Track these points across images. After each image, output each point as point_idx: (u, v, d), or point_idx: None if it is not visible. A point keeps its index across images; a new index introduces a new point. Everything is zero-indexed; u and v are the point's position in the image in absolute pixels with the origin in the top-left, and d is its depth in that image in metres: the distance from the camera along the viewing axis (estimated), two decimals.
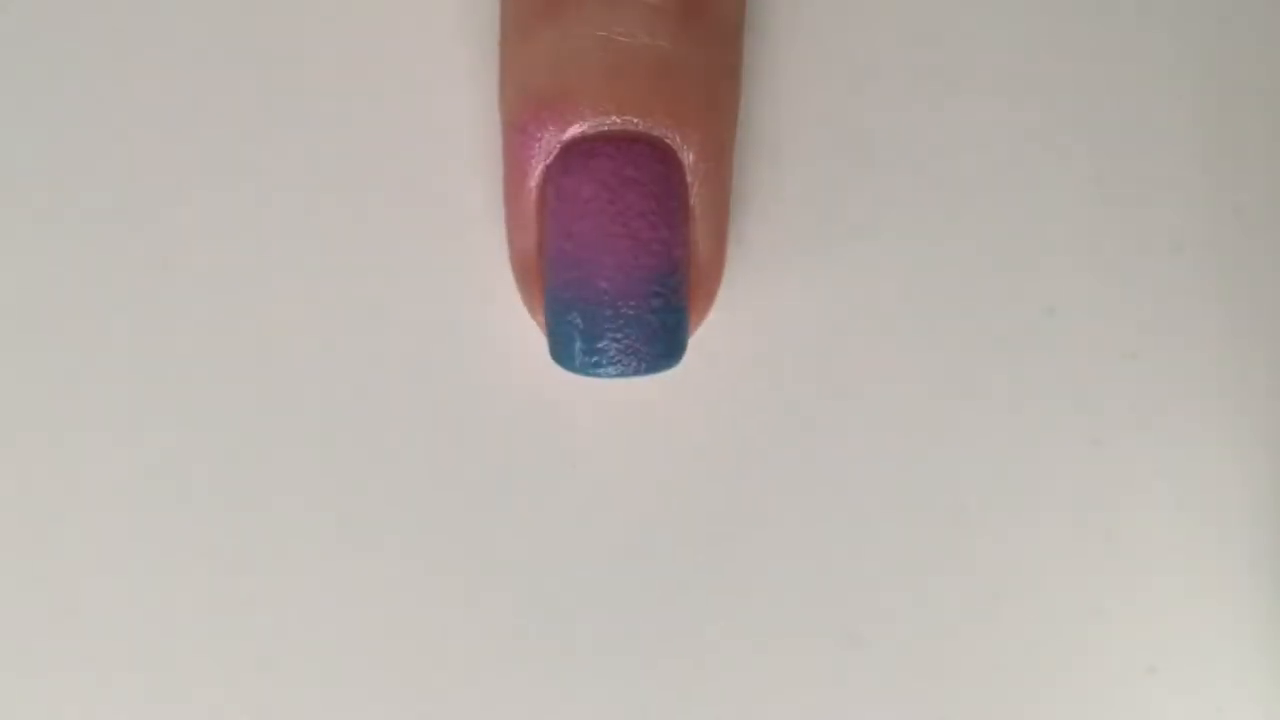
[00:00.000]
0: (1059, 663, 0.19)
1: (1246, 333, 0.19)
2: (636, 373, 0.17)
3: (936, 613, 0.19)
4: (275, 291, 0.19)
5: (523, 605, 0.19)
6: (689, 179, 0.17)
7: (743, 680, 0.19)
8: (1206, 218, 0.19)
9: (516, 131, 0.17)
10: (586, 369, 0.17)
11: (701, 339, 0.19)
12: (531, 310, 0.18)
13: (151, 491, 0.19)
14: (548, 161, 0.17)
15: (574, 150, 0.17)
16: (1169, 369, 0.19)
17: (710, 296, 0.18)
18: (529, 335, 0.18)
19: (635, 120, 0.16)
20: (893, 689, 0.19)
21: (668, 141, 0.17)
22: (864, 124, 0.19)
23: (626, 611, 0.19)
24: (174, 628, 0.19)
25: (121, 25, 0.19)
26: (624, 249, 0.16)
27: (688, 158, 0.17)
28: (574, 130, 0.16)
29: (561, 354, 0.17)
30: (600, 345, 0.17)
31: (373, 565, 0.19)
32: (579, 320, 0.17)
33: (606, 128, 0.16)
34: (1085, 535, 0.19)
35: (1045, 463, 0.19)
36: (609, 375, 0.17)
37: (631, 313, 0.17)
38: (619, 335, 0.17)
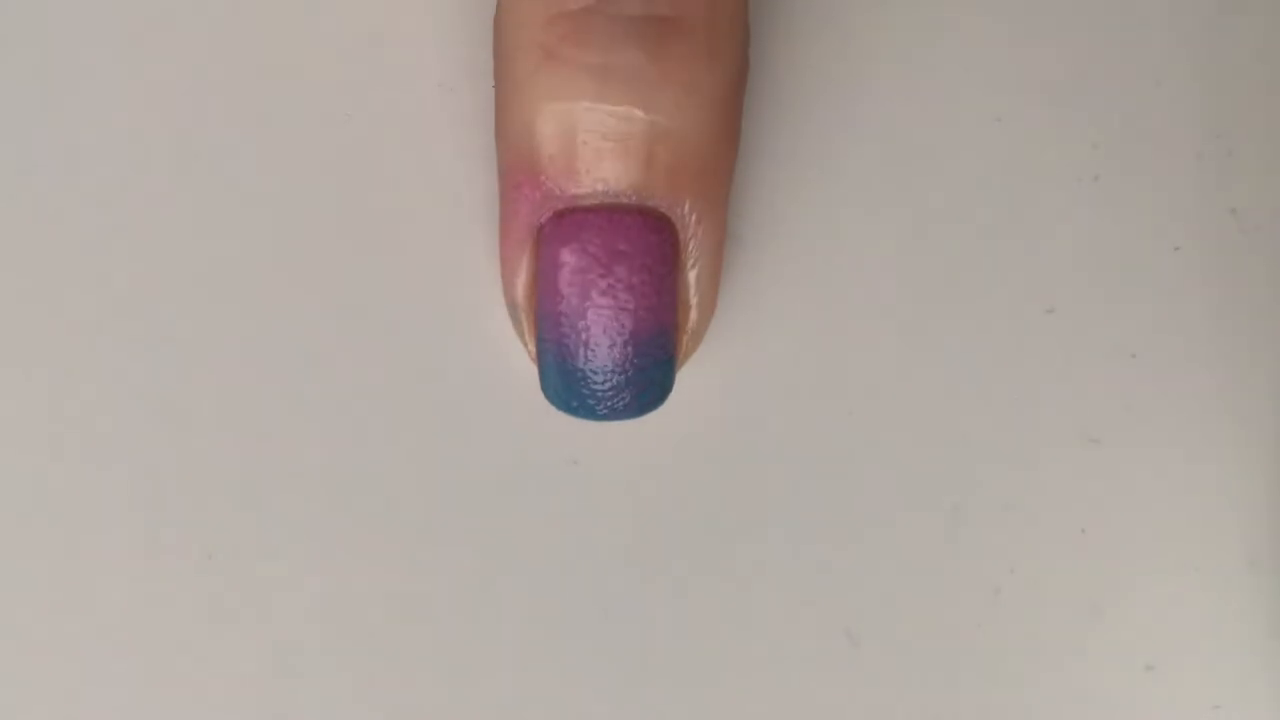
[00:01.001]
0: (1056, 661, 0.19)
1: (1245, 332, 0.19)
2: (620, 418, 0.17)
3: (933, 611, 0.19)
4: (275, 295, 0.19)
5: (520, 604, 0.19)
6: (683, 240, 0.17)
7: (741, 679, 0.19)
8: (1205, 218, 0.19)
9: (512, 188, 0.17)
10: (572, 413, 0.17)
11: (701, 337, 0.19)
12: (523, 341, 0.18)
13: (148, 494, 0.19)
14: (541, 220, 0.17)
15: (566, 218, 0.17)
16: (1168, 368, 0.19)
17: (701, 332, 0.18)
18: None
19: (628, 193, 0.16)
20: (890, 688, 0.19)
21: (662, 210, 0.17)
22: (863, 124, 0.19)
23: (624, 611, 0.19)
24: (170, 630, 0.19)
25: (120, 25, 0.19)
26: (611, 320, 0.17)
27: (682, 221, 0.17)
28: (566, 199, 0.16)
29: (550, 395, 0.17)
30: (588, 401, 0.17)
31: (372, 566, 0.19)
32: (567, 379, 0.17)
33: (599, 200, 0.16)
34: (1083, 534, 0.19)
35: (1044, 462, 0.19)
36: (593, 419, 0.17)
37: (620, 377, 0.17)
38: (607, 393, 0.17)
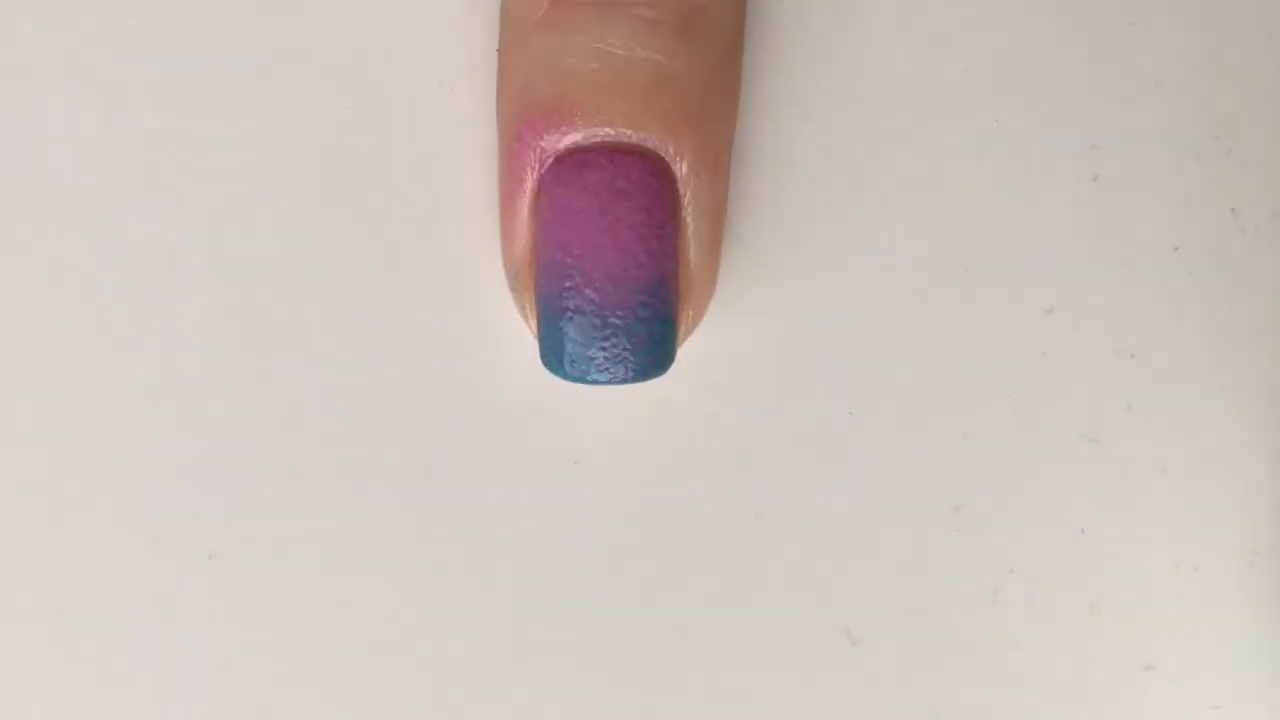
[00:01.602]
0: (1055, 660, 0.19)
1: (1245, 332, 0.19)
2: (624, 380, 0.17)
3: (932, 611, 0.19)
4: (272, 293, 0.19)
5: (520, 604, 0.19)
6: (681, 191, 0.17)
7: (738, 679, 0.19)
8: (1205, 218, 0.19)
9: (513, 139, 0.17)
10: (574, 376, 0.17)
11: (698, 339, 0.19)
12: (524, 315, 0.18)
13: (148, 494, 0.19)
14: (542, 170, 0.17)
15: (567, 161, 0.17)
16: (1168, 368, 0.19)
17: (701, 306, 0.18)
18: (527, 337, 0.18)
19: (629, 132, 0.17)
20: (888, 687, 0.19)
21: (661, 153, 0.17)
22: (863, 124, 0.19)
23: (624, 610, 0.19)
24: (171, 630, 0.19)
25: (120, 25, 0.19)
26: (613, 260, 0.17)
27: (680, 169, 0.17)
28: (568, 140, 0.17)
29: (551, 360, 0.17)
30: (588, 353, 0.17)
31: (372, 565, 0.19)
32: (568, 328, 0.17)
33: (600, 139, 0.17)
34: (1082, 534, 0.19)
35: (1043, 461, 0.19)
36: (596, 382, 0.17)
37: (619, 322, 0.17)
38: (607, 344, 0.17)
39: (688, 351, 0.18)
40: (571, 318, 0.17)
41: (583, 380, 0.17)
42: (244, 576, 0.19)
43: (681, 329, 0.18)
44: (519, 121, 0.17)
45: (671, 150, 0.17)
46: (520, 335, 0.18)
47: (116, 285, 0.19)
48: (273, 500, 0.19)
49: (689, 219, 0.17)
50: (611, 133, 0.17)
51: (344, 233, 0.19)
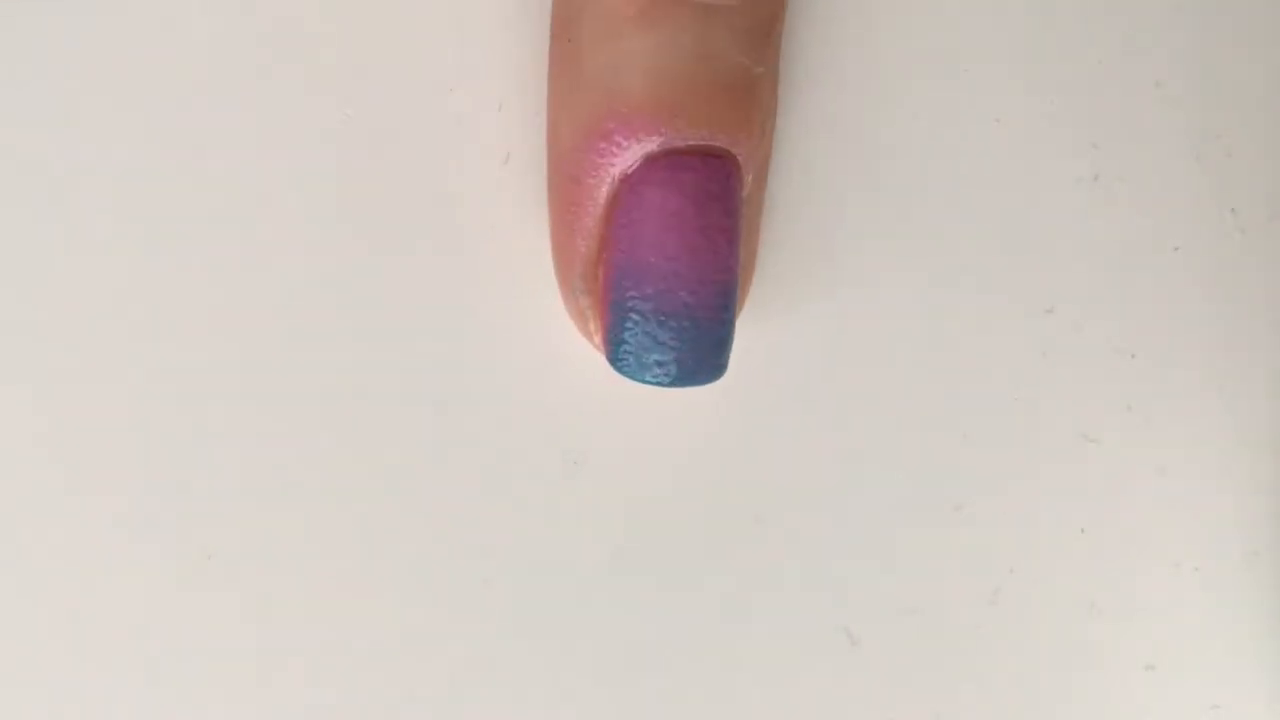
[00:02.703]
0: (1056, 660, 0.19)
1: (1244, 332, 0.19)
2: (694, 384, 0.17)
3: (932, 611, 0.19)
4: (273, 293, 0.19)
5: (520, 604, 0.19)
6: (745, 196, 0.17)
7: (739, 679, 0.19)
8: (1205, 218, 0.19)
9: (597, 137, 0.17)
10: (655, 379, 0.17)
11: None
12: (577, 318, 0.18)
13: (147, 494, 0.19)
14: (626, 170, 0.17)
15: (660, 162, 0.16)
16: (1167, 368, 0.19)
17: (741, 308, 0.18)
18: (528, 336, 0.18)
19: (723, 137, 0.16)
20: (888, 688, 0.19)
21: (740, 158, 0.17)
22: (862, 125, 0.19)
23: (624, 610, 0.19)
24: (170, 630, 0.19)
25: (119, 25, 0.19)
26: (706, 263, 0.16)
27: (746, 177, 0.17)
28: (665, 142, 0.16)
29: (631, 363, 0.17)
30: (673, 355, 0.17)
31: (372, 565, 0.19)
32: (658, 331, 0.17)
33: (695, 142, 0.16)
34: (1083, 534, 0.19)
35: (1044, 461, 0.19)
36: (674, 385, 0.17)
37: (706, 325, 0.17)
38: (692, 347, 0.17)
39: None
40: (662, 321, 0.17)
41: (660, 383, 0.17)
42: (243, 577, 0.19)
43: None
44: (609, 119, 0.16)
45: (745, 155, 0.17)
46: (521, 335, 0.18)
47: (117, 285, 0.19)
48: (272, 501, 0.19)
49: (742, 224, 0.17)
50: (706, 135, 0.16)
51: (344, 233, 0.19)
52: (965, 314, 0.19)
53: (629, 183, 0.17)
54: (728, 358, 0.17)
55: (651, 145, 0.16)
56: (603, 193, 0.17)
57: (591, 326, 0.18)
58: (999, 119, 0.19)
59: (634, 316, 0.17)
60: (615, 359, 0.17)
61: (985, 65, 0.19)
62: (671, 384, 0.17)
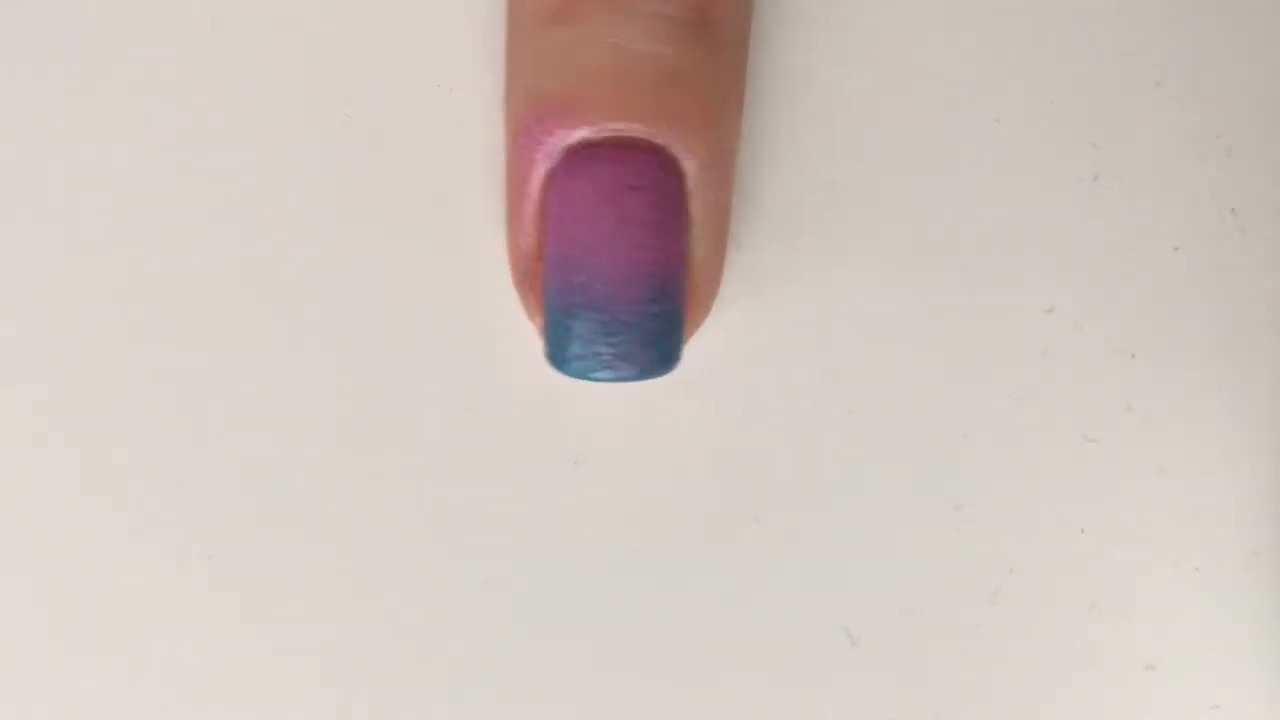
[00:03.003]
0: (1056, 660, 0.19)
1: (1244, 332, 0.19)
2: (630, 378, 0.17)
3: (932, 611, 0.19)
4: (272, 293, 0.19)
5: (520, 604, 0.19)
6: (690, 187, 0.17)
7: (738, 679, 0.19)
8: (1205, 218, 0.19)
9: (522, 134, 0.17)
10: (581, 372, 0.17)
11: (700, 339, 0.19)
12: (529, 313, 0.18)
13: (148, 494, 0.19)
14: (551, 165, 0.17)
15: (578, 155, 0.17)
16: (1168, 368, 0.19)
17: (707, 303, 0.18)
18: (527, 336, 0.18)
19: (639, 128, 0.16)
20: (888, 687, 0.19)
21: (671, 150, 0.17)
22: (863, 124, 0.19)
23: (624, 610, 0.19)
24: (170, 630, 0.19)
25: (119, 25, 0.19)
26: (623, 255, 0.16)
27: (690, 166, 0.17)
28: (579, 135, 0.16)
29: (557, 357, 0.17)
30: (596, 350, 0.17)
31: (372, 566, 0.19)
32: (576, 324, 0.17)
33: (611, 134, 0.16)
34: (1083, 534, 0.19)
35: (1043, 461, 0.19)
36: (602, 379, 0.17)
37: (627, 319, 0.17)
38: (614, 340, 0.17)
39: (688, 351, 0.18)
40: (579, 314, 0.17)
41: (588, 377, 0.17)
42: (244, 576, 0.19)
43: (687, 327, 0.18)
44: (529, 116, 0.17)
45: (682, 147, 0.17)
46: (521, 334, 0.18)
47: (117, 285, 0.19)
48: (272, 500, 0.19)
49: (696, 216, 0.17)
50: (623, 128, 0.16)
51: (344, 233, 0.19)
52: (965, 314, 0.19)
53: (552, 177, 0.17)
54: (668, 352, 0.17)
55: (571, 139, 0.16)
56: (535, 188, 0.17)
57: (536, 322, 0.18)
58: (999, 119, 0.19)
59: (556, 310, 0.17)
60: (547, 352, 0.17)
61: (985, 65, 0.19)
62: (601, 379, 0.17)
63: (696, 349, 0.19)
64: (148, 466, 0.19)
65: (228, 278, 0.19)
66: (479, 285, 0.19)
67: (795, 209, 0.19)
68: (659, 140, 0.16)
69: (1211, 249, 0.19)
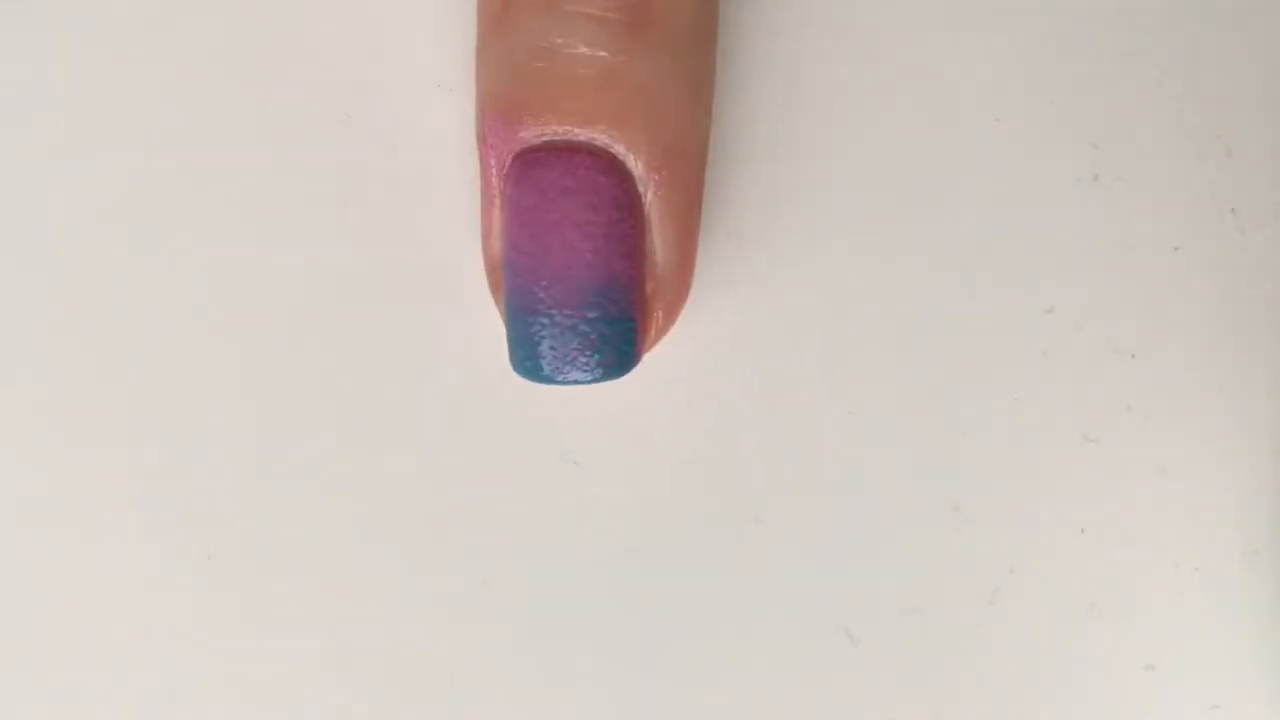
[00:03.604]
0: (1056, 660, 0.19)
1: (1245, 332, 0.19)
2: (579, 381, 0.17)
3: (932, 611, 0.19)
4: (270, 293, 0.19)
5: (520, 604, 0.19)
6: (640, 189, 0.17)
7: (740, 679, 0.19)
8: (1205, 218, 0.19)
9: (480, 140, 0.17)
10: (528, 374, 0.17)
11: (700, 339, 0.19)
12: (500, 310, 0.18)
13: (148, 494, 0.19)
14: (504, 170, 0.17)
15: (522, 160, 0.17)
16: (1168, 368, 0.19)
17: (674, 307, 0.18)
18: None
19: (576, 130, 0.16)
20: (888, 687, 0.19)
21: (611, 151, 0.17)
22: (863, 124, 0.19)
23: (624, 610, 0.19)
24: (170, 630, 0.19)
25: (119, 25, 0.19)
26: (558, 259, 0.17)
27: (636, 167, 0.17)
28: (521, 140, 0.17)
29: (511, 360, 0.17)
30: (539, 351, 0.17)
31: (372, 566, 0.19)
32: (524, 329, 0.17)
33: (549, 138, 0.16)
34: (1083, 534, 0.19)
35: (1043, 461, 0.19)
36: (552, 382, 0.17)
37: (567, 322, 0.17)
38: (556, 344, 0.17)
39: (688, 351, 0.18)
40: (525, 318, 0.17)
41: (539, 380, 0.17)
42: (243, 576, 0.19)
43: (651, 331, 0.17)
44: (483, 124, 0.17)
45: (623, 148, 0.17)
46: None
47: (114, 286, 0.19)
48: (272, 501, 0.19)
49: (652, 218, 0.17)
50: (560, 131, 0.16)
51: (344, 233, 0.19)
52: (965, 314, 0.19)
53: (505, 181, 0.17)
54: (619, 356, 0.17)
55: (514, 145, 0.17)
56: (495, 193, 0.17)
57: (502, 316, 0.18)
58: (999, 119, 0.19)
59: (511, 314, 0.17)
60: (509, 354, 0.17)
61: (985, 65, 0.19)
62: (549, 381, 0.17)
63: (696, 349, 0.19)
64: (148, 466, 0.19)
65: (227, 278, 0.19)
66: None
67: (795, 208, 0.19)
68: (597, 142, 0.16)
69: (1211, 249, 0.19)
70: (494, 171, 0.17)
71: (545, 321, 0.17)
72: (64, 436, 0.19)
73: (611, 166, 0.17)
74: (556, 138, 0.17)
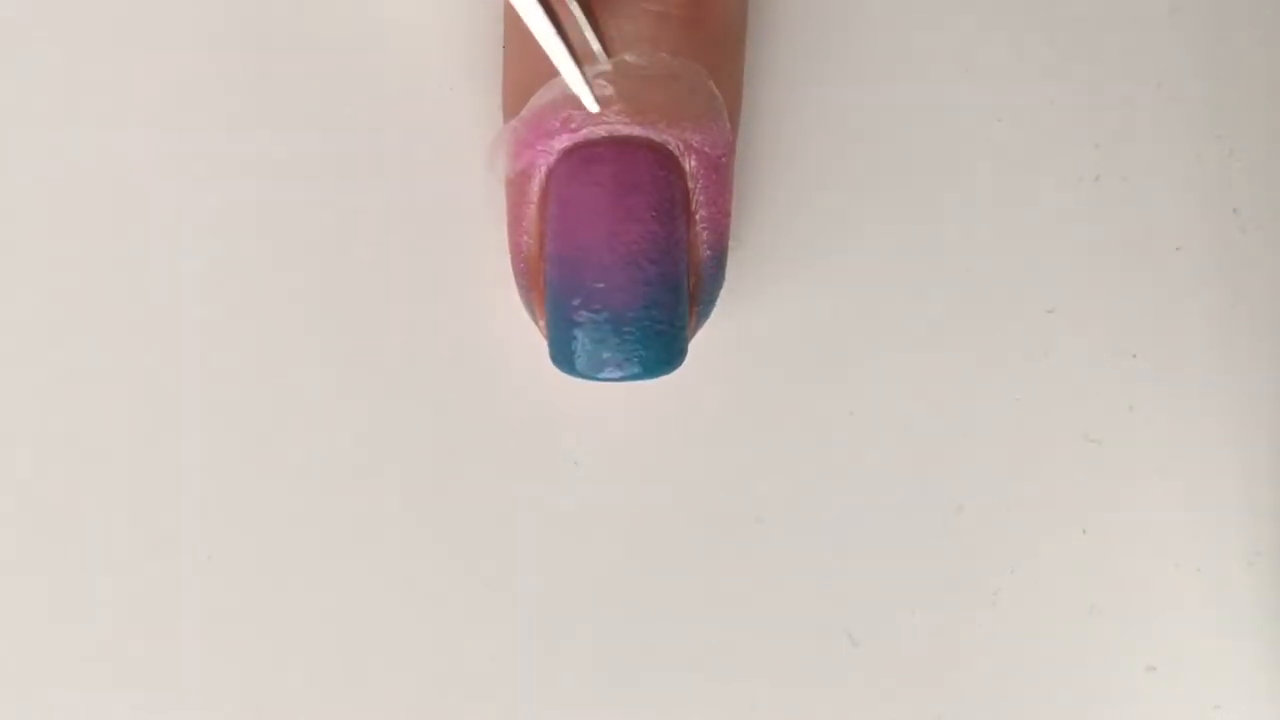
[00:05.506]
0: (1057, 661, 0.19)
1: (1245, 332, 0.19)
2: (635, 377, 0.17)
3: (933, 612, 0.19)
4: (274, 293, 0.19)
5: (520, 604, 0.19)
6: (690, 185, 0.17)
7: (740, 679, 0.19)
8: (1206, 218, 0.19)
9: (514, 138, 0.17)
10: (586, 373, 0.17)
11: (701, 338, 0.19)
12: (532, 314, 0.18)
13: (148, 494, 0.19)
14: (550, 166, 0.17)
15: (575, 155, 0.17)
16: (1168, 368, 0.19)
17: (710, 302, 0.18)
18: (528, 337, 0.18)
19: (638, 127, 0.16)
20: (889, 688, 0.19)
21: (669, 147, 0.17)
22: (864, 124, 0.19)
23: (624, 611, 0.19)
24: (170, 630, 0.19)
25: (120, 25, 0.19)
26: (623, 254, 0.16)
27: (689, 163, 0.17)
28: (575, 136, 0.16)
29: (561, 358, 0.17)
30: (599, 350, 0.17)
31: (372, 566, 0.19)
32: (578, 325, 0.17)
33: (607, 133, 0.16)
34: (1084, 534, 0.19)
35: (1045, 462, 0.19)
36: (607, 379, 0.17)
37: (631, 317, 0.17)
38: (618, 340, 0.17)
39: (689, 351, 0.18)
40: (582, 314, 0.17)
41: (593, 377, 0.17)
42: (243, 576, 0.19)
43: (691, 326, 0.17)
44: (524, 122, 0.17)
45: (679, 144, 0.17)
46: (521, 336, 0.18)
47: (117, 286, 0.19)
48: (272, 501, 0.19)
49: (697, 212, 0.17)
50: (619, 127, 0.16)
51: (347, 233, 0.19)
52: (966, 314, 0.19)
53: (552, 177, 0.17)
54: (673, 350, 0.17)
55: (566, 141, 0.16)
56: (535, 189, 0.17)
57: (539, 324, 0.18)
58: (1000, 119, 0.19)
59: (559, 311, 0.17)
60: (551, 353, 0.17)
61: (986, 65, 0.19)
62: (606, 378, 0.17)
63: (697, 349, 0.19)
64: (148, 466, 0.19)
65: (229, 278, 0.19)
66: (480, 285, 0.19)
67: (796, 208, 0.19)
68: (656, 138, 0.16)
69: (1213, 249, 0.19)
70: (537, 168, 0.17)
71: (608, 317, 0.17)
72: (64, 436, 0.19)
73: (669, 162, 0.17)
74: (615, 134, 0.16)
